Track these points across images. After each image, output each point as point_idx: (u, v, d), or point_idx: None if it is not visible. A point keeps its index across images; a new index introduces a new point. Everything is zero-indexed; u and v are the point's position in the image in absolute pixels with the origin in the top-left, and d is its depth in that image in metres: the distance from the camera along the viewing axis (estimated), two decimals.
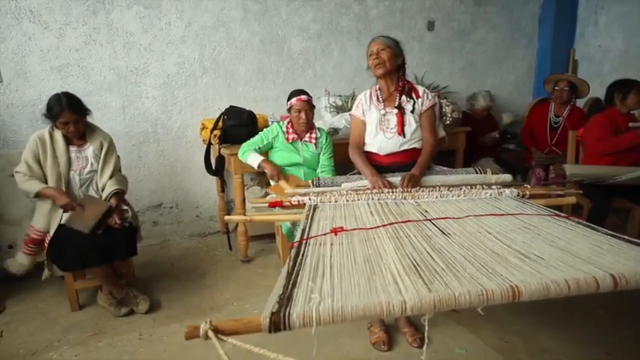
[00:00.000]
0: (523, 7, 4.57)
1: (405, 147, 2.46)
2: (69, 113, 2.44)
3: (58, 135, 2.51)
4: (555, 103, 3.76)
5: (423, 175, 2.31)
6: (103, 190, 2.59)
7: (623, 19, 4.12)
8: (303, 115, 2.76)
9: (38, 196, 2.46)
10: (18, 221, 2.88)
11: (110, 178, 2.62)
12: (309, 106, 2.80)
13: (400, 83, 2.45)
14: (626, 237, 1.35)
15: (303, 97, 2.76)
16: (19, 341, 2.36)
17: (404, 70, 2.48)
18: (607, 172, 2.85)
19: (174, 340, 2.31)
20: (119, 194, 2.59)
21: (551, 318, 2.36)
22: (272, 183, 2.87)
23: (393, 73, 2.42)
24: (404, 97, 2.45)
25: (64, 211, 2.46)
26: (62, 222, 2.46)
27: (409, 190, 2.07)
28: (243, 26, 3.59)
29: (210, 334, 0.89)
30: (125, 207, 2.62)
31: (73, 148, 2.56)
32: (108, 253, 2.44)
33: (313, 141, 2.85)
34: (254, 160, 2.80)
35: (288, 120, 2.88)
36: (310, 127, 2.86)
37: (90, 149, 2.59)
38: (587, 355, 2.12)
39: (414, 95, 2.46)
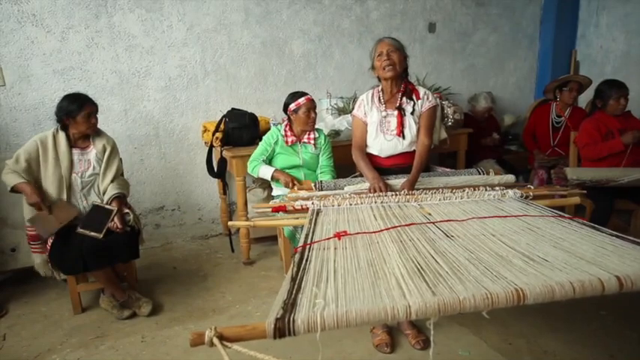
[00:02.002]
0: (524, 9, 4.57)
1: (406, 149, 2.47)
2: (91, 105, 2.52)
3: (62, 137, 2.51)
4: (562, 104, 3.75)
5: (419, 177, 2.32)
6: (104, 193, 2.60)
7: (625, 20, 4.11)
8: (312, 113, 2.78)
9: (14, 190, 2.45)
10: (20, 224, 2.87)
11: (112, 181, 2.62)
12: (315, 104, 2.83)
13: (402, 86, 2.46)
14: (631, 238, 1.35)
15: (308, 96, 2.79)
16: (21, 344, 2.36)
17: (407, 73, 2.48)
18: (608, 175, 2.85)
19: (176, 342, 2.30)
20: (120, 198, 2.59)
21: (554, 320, 2.36)
22: (279, 190, 2.88)
23: (399, 76, 2.43)
24: (404, 99, 2.45)
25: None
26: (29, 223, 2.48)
27: (412, 192, 2.06)
28: (245, 29, 3.60)
29: (215, 340, 0.89)
30: (126, 210, 2.62)
31: (75, 151, 2.56)
32: (110, 255, 2.45)
33: (312, 142, 2.85)
34: (266, 172, 2.81)
35: (285, 123, 2.88)
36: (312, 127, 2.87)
37: (93, 152, 2.60)
38: (591, 357, 2.11)
39: (414, 97, 2.46)
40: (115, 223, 2.47)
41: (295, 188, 2.62)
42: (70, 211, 2.49)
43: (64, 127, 2.53)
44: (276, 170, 2.79)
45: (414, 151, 2.46)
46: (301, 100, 2.76)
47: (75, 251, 2.38)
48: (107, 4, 3.19)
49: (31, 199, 2.42)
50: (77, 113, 2.47)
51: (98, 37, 3.21)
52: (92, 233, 2.40)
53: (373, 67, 2.44)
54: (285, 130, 2.85)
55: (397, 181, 2.32)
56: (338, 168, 2.94)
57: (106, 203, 2.54)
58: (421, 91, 2.49)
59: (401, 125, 2.43)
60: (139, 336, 2.38)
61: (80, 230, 2.41)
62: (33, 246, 2.55)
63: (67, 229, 2.45)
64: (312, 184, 2.46)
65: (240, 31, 3.59)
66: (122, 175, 2.76)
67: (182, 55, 3.46)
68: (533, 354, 2.13)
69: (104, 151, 2.62)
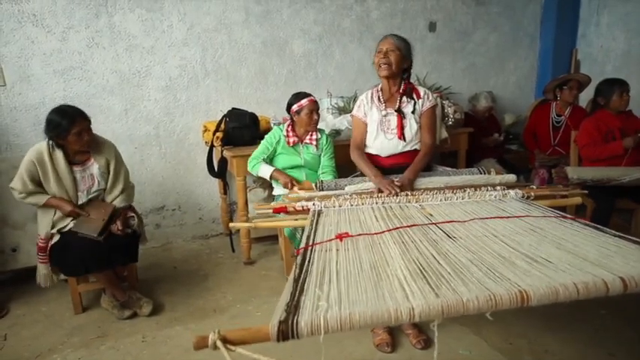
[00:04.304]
0: (525, 8, 4.56)
1: (407, 148, 2.46)
2: (81, 121, 2.34)
3: (59, 155, 2.39)
4: (562, 103, 3.75)
5: (416, 177, 2.30)
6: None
7: (626, 20, 4.11)
8: (315, 115, 2.78)
9: (44, 206, 2.43)
10: (21, 224, 2.88)
11: (121, 192, 2.58)
12: (318, 106, 2.83)
13: (403, 86, 2.45)
14: (634, 238, 1.34)
15: (312, 97, 2.79)
16: (22, 344, 2.36)
17: (409, 74, 2.48)
18: (609, 174, 2.85)
19: (177, 342, 2.30)
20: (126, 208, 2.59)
21: (555, 319, 2.36)
22: (279, 189, 2.87)
23: (397, 76, 2.42)
24: (404, 99, 2.44)
25: (72, 219, 2.45)
26: (67, 228, 2.44)
27: (413, 193, 2.05)
28: (245, 28, 3.59)
29: (219, 344, 0.88)
30: (132, 214, 2.61)
31: (76, 169, 2.46)
32: (109, 258, 2.43)
33: (314, 142, 2.85)
34: (265, 171, 2.80)
35: (287, 123, 2.87)
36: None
37: (95, 167, 2.51)
38: (592, 356, 2.11)
39: (414, 96, 2.45)
40: (117, 225, 2.46)
41: (295, 189, 2.61)
42: (106, 206, 2.49)
43: (59, 144, 2.39)
44: (275, 170, 2.79)
45: (414, 150, 2.46)
46: (304, 101, 2.75)
47: (76, 254, 2.37)
48: (107, 3, 3.18)
49: (67, 209, 2.40)
50: (67, 133, 2.31)
51: (98, 37, 3.20)
52: (87, 233, 2.38)
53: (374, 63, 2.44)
54: (287, 131, 2.85)
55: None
56: (338, 168, 2.93)
57: None
58: (421, 90, 2.50)
59: (401, 127, 2.42)
60: (139, 336, 2.38)
61: (80, 232, 2.40)
62: (40, 256, 2.48)
63: (67, 232, 2.44)
64: (313, 185, 2.45)
65: (241, 31, 3.58)
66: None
67: (182, 55, 3.45)
68: (534, 354, 2.13)
69: (107, 164, 2.53)
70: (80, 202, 2.49)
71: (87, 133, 2.39)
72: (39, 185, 2.42)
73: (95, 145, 2.51)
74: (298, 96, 2.79)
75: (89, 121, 2.41)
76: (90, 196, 2.52)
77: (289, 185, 2.71)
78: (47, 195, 2.42)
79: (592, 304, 2.45)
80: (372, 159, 2.48)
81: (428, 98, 2.48)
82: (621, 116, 3.06)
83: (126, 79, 3.33)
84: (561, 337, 2.23)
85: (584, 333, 2.27)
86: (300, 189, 2.54)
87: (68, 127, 2.31)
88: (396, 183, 2.19)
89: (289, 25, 3.72)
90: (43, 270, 2.51)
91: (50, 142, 2.38)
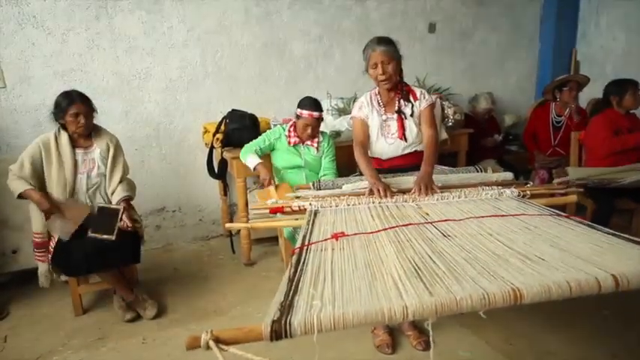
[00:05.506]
0: (524, 8, 4.56)
1: (408, 150, 2.45)
2: (79, 104, 2.43)
3: (64, 138, 2.48)
4: (562, 103, 3.74)
5: (433, 170, 2.20)
6: (112, 194, 2.58)
7: (625, 20, 4.10)
8: (309, 129, 2.78)
9: (21, 197, 2.42)
10: (21, 226, 2.89)
11: (120, 181, 2.60)
12: (318, 122, 2.81)
13: (399, 88, 2.42)
14: (627, 236, 1.34)
15: (315, 113, 2.75)
16: (23, 346, 2.37)
17: (402, 72, 2.46)
18: (610, 175, 2.84)
19: (177, 344, 2.31)
20: (128, 200, 2.59)
21: (556, 319, 2.35)
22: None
23: (398, 81, 2.40)
24: (402, 102, 2.43)
25: (46, 218, 2.44)
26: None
27: (411, 193, 2.03)
28: (245, 30, 3.60)
29: (211, 344, 0.88)
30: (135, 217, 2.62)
31: (79, 151, 2.53)
32: (112, 258, 2.44)
33: (315, 144, 2.86)
34: (251, 161, 2.82)
35: (290, 123, 2.88)
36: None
37: (97, 151, 2.56)
38: (594, 356, 2.11)
39: (411, 98, 2.43)
40: (125, 221, 2.46)
41: (270, 188, 2.67)
42: (81, 209, 2.48)
43: (64, 126, 2.49)
44: (260, 163, 2.80)
45: (415, 151, 2.45)
46: (305, 112, 2.75)
47: (79, 253, 2.37)
48: (107, 5, 3.20)
49: (43, 206, 2.41)
50: (65, 113, 2.42)
51: (98, 39, 3.21)
52: (104, 236, 2.37)
53: (368, 71, 2.38)
54: (289, 131, 2.85)
55: (395, 180, 2.27)
56: (339, 168, 2.93)
57: (117, 204, 2.53)
58: (417, 91, 2.46)
59: (402, 128, 2.41)
60: (140, 337, 2.39)
61: (91, 234, 2.38)
62: (37, 253, 2.50)
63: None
64: (311, 184, 2.45)
65: (241, 32, 3.59)
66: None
67: (182, 57, 3.46)
68: (535, 354, 2.13)
69: (108, 149, 2.58)
70: (80, 185, 2.52)
71: (83, 117, 2.45)
72: (34, 173, 2.43)
73: (97, 131, 2.59)
74: (305, 103, 2.77)
75: (89, 107, 2.49)
76: (90, 181, 2.55)
77: (266, 182, 2.74)
78: (28, 185, 2.40)
79: (593, 304, 2.43)
80: (372, 161, 2.47)
81: (424, 98, 2.44)
82: (630, 116, 3.07)
83: (126, 80, 3.34)
84: (563, 338, 2.23)
85: (586, 333, 2.27)
86: (274, 190, 2.61)
87: (66, 107, 2.42)
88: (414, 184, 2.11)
89: (289, 26, 3.72)
90: (41, 268, 2.52)
91: (57, 126, 2.49)
